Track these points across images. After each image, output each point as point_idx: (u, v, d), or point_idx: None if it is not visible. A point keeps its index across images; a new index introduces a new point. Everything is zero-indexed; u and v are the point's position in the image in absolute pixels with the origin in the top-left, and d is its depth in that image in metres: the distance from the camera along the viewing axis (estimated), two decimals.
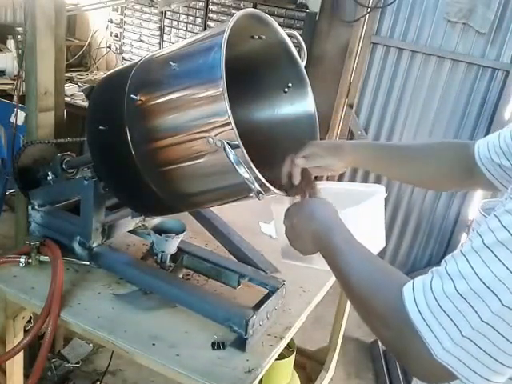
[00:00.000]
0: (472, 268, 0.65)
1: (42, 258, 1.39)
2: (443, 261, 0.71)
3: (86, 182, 1.35)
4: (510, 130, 1.00)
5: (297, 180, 1.13)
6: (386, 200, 1.20)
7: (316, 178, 1.20)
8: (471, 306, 0.63)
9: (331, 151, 1.16)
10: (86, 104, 2.67)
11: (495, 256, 0.63)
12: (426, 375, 0.71)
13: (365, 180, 3.75)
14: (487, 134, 3.20)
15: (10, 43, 3.94)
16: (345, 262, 0.85)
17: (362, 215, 1.07)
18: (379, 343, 2.90)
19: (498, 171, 1.01)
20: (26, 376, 1.46)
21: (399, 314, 0.70)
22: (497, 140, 1.02)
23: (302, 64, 1.25)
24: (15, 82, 2.20)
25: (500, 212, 0.66)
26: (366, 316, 0.80)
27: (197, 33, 3.90)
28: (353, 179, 3.80)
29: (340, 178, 3.77)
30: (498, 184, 1.03)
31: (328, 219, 0.96)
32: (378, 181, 3.67)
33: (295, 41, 1.24)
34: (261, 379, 1.20)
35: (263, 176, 1.00)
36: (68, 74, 3.93)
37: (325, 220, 0.96)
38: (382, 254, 4.08)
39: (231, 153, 0.96)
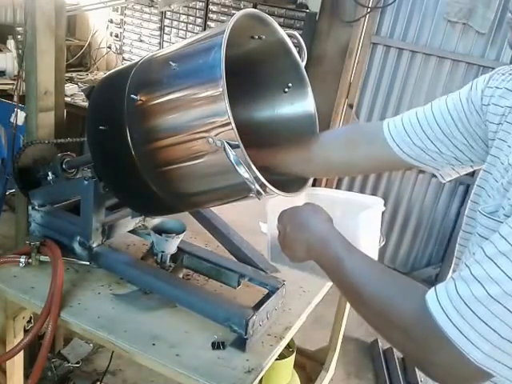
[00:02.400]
0: (503, 271, 0.64)
1: (42, 257, 1.39)
2: (463, 266, 0.70)
3: (86, 182, 1.35)
4: (430, 110, 1.00)
5: None
6: (386, 200, 1.20)
7: (315, 181, 1.20)
8: (507, 308, 0.62)
9: None
10: (86, 104, 2.67)
11: None
12: (460, 381, 0.70)
13: (363, 186, 3.75)
14: None
15: (10, 43, 3.94)
16: (352, 272, 0.83)
17: (363, 225, 1.06)
18: (379, 343, 2.90)
19: (418, 153, 1.00)
20: (26, 376, 1.46)
21: (423, 324, 0.69)
22: (415, 121, 1.00)
23: (302, 64, 1.25)
24: (15, 82, 2.20)
25: None
26: (383, 328, 0.77)
27: (197, 33, 3.90)
28: (351, 185, 3.80)
29: (338, 186, 3.78)
30: (420, 164, 1.02)
31: (323, 229, 0.95)
32: (375, 187, 3.68)
33: (295, 41, 1.24)
34: (261, 379, 1.20)
35: (263, 176, 1.00)
36: (68, 74, 3.93)
37: (319, 230, 0.95)
38: (382, 254, 4.09)
39: (231, 153, 0.96)
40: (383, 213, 1.14)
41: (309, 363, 2.47)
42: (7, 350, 1.38)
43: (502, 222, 0.70)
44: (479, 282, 0.65)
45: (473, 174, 0.95)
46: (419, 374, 2.64)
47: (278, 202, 1.12)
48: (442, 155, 0.99)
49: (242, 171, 0.96)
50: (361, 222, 1.04)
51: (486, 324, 0.64)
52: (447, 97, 1.01)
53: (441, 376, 0.71)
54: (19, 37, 3.79)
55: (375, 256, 1.11)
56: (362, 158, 1.12)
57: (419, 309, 0.70)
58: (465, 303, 0.65)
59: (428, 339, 0.69)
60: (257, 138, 1.24)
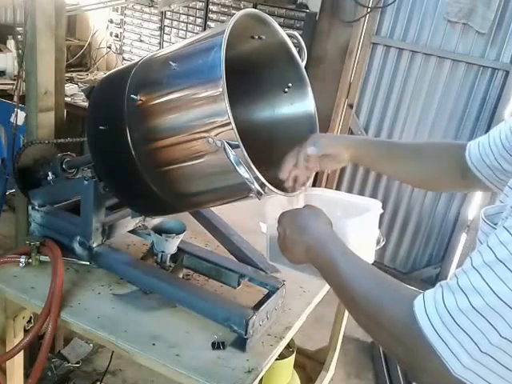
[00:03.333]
0: (486, 283, 0.63)
1: (42, 257, 1.39)
2: (453, 274, 0.69)
3: (86, 182, 1.35)
4: (498, 130, 1.00)
5: (298, 170, 1.13)
6: (386, 200, 1.20)
7: (315, 181, 1.20)
8: (489, 322, 0.62)
9: (337, 141, 1.19)
10: (86, 104, 2.67)
11: (510, 271, 0.62)
12: None
13: (363, 187, 3.75)
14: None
15: (10, 43, 3.95)
16: (346, 276, 0.84)
17: (360, 228, 1.06)
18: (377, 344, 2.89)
19: (488, 172, 1.01)
20: (26, 376, 1.46)
21: (411, 330, 0.69)
22: (486, 140, 1.02)
23: (302, 64, 1.25)
24: (15, 82, 2.20)
25: (509, 224, 0.65)
26: (374, 331, 0.78)
27: (197, 33, 3.90)
28: (351, 185, 3.80)
29: (338, 186, 3.78)
30: (491, 185, 1.03)
31: (322, 232, 0.95)
32: (375, 187, 3.68)
33: (295, 41, 1.24)
34: (261, 379, 1.20)
35: (263, 176, 1.00)
36: (68, 74, 3.93)
37: (318, 233, 0.95)
38: (382, 254, 4.09)
39: (231, 153, 0.96)
40: (383, 213, 1.14)
41: (309, 363, 2.47)
42: (7, 349, 1.38)
43: (495, 229, 0.70)
44: (464, 292, 0.65)
45: None
46: None
47: (277, 202, 1.12)
48: (505, 173, 0.99)
49: (242, 171, 0.96)
50: (358, 225, 1.04)
51: (468, 335, 0.63)
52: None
53: (425, 382, 0.71)
54: (19, 37, 3.77)
55: (372, 258, 1.11)
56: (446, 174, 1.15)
57: (408, 314, 0.70)
58: (449, 313, 0.65)
59: (415, 346, 0.69)
60: (257, 138, 1.24)
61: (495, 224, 0.75)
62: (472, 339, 0.63)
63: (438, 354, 0.65)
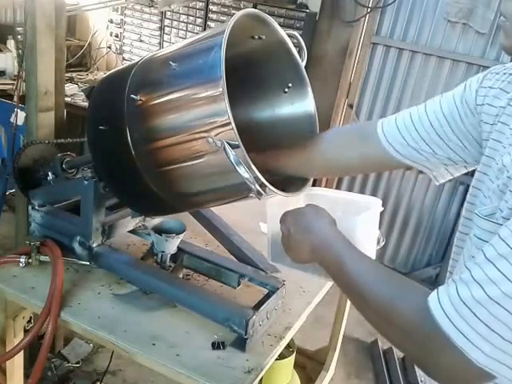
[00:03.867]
0: (502, 273, 0.64)
1: (42, 257, 1.39)
2: (464, 268, 0.70)
3: (86, 182, 1.35)
4: (424, 111, 0.99)
5: None
6: (386, 200, 1.20)
7: (315, 181, 1.20)
8: (506, 309, 0.63)
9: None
10: (86, 104, 2.67)
11: None
12: (462, 382, 0.70)
13: (363, 186, 3.75)
14: None
15: (10, 43, 3.95)
16: (355, 274, 0.84)
17: (362, 226, 1.06)
18: (379, 343, 2.90)
19: (414, 155, 1.00)
20: (26, 376, 1.46)
21: (424, 325, 0.69)
22: (409, 122, 1.00)
23: (302, 64, 1.25)
24: (15, 82, 2.20)
25: None
26: (385, 329, 0.78)
27: (197, 33, 3.90)
28: (351, 185, 3.80)
29: (338, 186, 3.78)
30: (415, 165, 1.02)
31: (327, 231, 0.96)
32: (375, 187, 3.68)
33: (295, 41, 1.24)
34: (261, 379, 1.20)
35: (263, 176, 1.00)
36: (68, 74, 3.93)
37: (323, 232, 0.95)
38: (382, 254, 4.09)
39: (231, 153, 0.96)
40: (383, 213, 1.14)
41: (309, 363, 2.47)
42: (7, 350, 1.38)
43: (499, 224, 0.70)
44: (479, 284, 0.66)
45: (472, 174, 0.95)
46: (419, 374, 2.64)
47: (278, 201, 1.12)
48: (436, 156, 0.99)
49: (242, 171, 0.96)
50: (359, 223, 1.04)
51: (487, 326, 0.64)
52: (441, 97, 1.00)
53: (443, 377, 0.72)
54: (19, 37, 3.79)
55: (373, 256, 1.11)
56: (357, 159, 1.12)
57: (421, 311, 0.70)
58: (466, 305, 0.66)
59: (430, 341, 0.69)
60: (257, 138, 1.24)
61: (497, 219, 0.74)
62: (491, 329, 0.64)
63: (458, 347, 0.65)
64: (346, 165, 1.17)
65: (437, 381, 0.74)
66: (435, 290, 0.71)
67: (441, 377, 0.72)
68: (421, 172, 1.10)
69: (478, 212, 0.78)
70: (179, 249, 1.46)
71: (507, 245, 0.65)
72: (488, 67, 0.98)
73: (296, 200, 1.16)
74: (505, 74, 0.90)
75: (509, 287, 0.63)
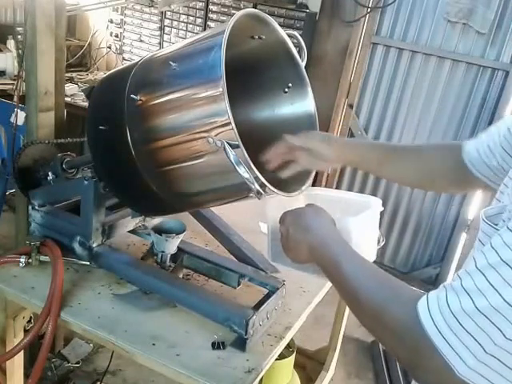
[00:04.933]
0: (491, 284, 0.63)
1: (42, 257, 1.39)
2: (455, 276, 0.69)
3: (86, 182, 1.35)
4: (497, 128, 0.99)
5: (278, 156, 1.14)
6: (386, 200, 1.20)
7: (315, 181, 1.20)
8: (493, 323, 0.62)
9: (325, 139, 1.17)
10: (86, 104, 2.67)
11: None
12: None
13: (363, 187, 3.75)
14: None
15: (10, 43, 3.95)
16: (350, 276, 0.84)
17: (362, 226, 1.06)
18: (379, 343, 2.90)
19: (488, 172, 1.00)
20: (27, 376, 1.46)
21: (414, 330, 0.69)
22: (485, 140, 1.01)
23: (302, 64, 1.25)
24: (15, 82, 2.20)
25: None
26: (376, 331, 0.79)
27: (197, 33, 3.90)
28: (351, 185, 3.80)
29: (338, 186, 3.78)
30: (492, 184, 1.02)
31: (326, 232, 0.95)
32: (375, 187, 3.68)
33: (295, 41, 1.24)
34: (261, 379, 1.20)
35: (263, 176, 1.00)
36: (68, 74, 3.93)
37: (322, 233, 0.95)
38: (382, 254, 4.09)
39: (231, 153, 0.96)
40: (383, 213, 1.14)
41: (309, 363, 2.47)
42: (7, 349, 1.38)
43: (497, 230, 0.70)
44: (468, 294, 0.65)
45: None
46: None
47: (277, 202, 1.12)
48: (504, 172, 0.97)
49: (242, 171, 0.96)
50: (359, 223, 1.04)
51: (473, 337, 0.63)
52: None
53: (427, 382, 0.72)
54: (19, 37, 3.79)
55: (373, 256, 1.11)
56: (444, 174, 1.13)
57: (411, 315, 0.70)
58: (453, 315, 0.65)
59: (418, 346, 0.69)
60: (257, 138, 1.24)
61: (496, 224, 0.74)
62: (476, 340, 0.63)
63: (442, 354, 0.65)
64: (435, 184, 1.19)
65: None
66: (425, 296, 0.71)
67: (425, 382, 0.72)
68: None
69: (483, 213, 0.78)
70: (179, 249, 1.46)
71: (497, 254, 0.64)
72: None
73: (295, 200, 1.16)
74: None
75: (496, 299, 0.62)
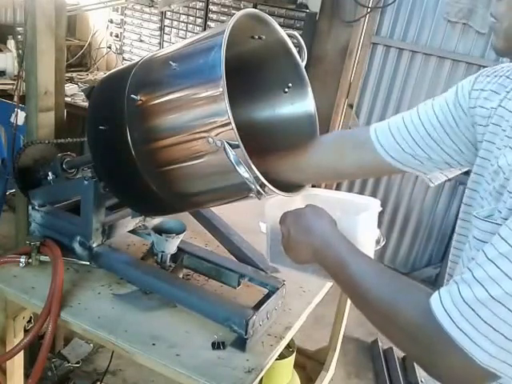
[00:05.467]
0: (503, 272, 0.64)
1: (42, 257, 1.39)
2: (465, 269, 0.70)
3: (86, 182, 1.35)
4: (417, 116, 0.98)
5: None
6: (386, 200, 1.20)
7: (314, 185, 1.20)
8: (509, 309, 0.63)
9: None
10: (86, 104, 2.67)
11: None
12: (467, 382, 0.70)
13: (363, 187, 3.74)
14: None
15: (10, 43, 3.95)
16: (357, 276, 0.83)
17: (363, 225, 1.06)
18: (379, 343, 2.90)
19: (408, 159, 1.00)
20: (27, 376, 1.46)
21: (428, 327, 0.69)
22: (402, 126, 1.00)
23: (302, 64, 1.25)
24: (15, 82, 2.20)
25: None
26: (388, 330, 0.78)
27: (197, 33, 3.90)
28: (351, 185, 3.79)
29: (338, 187, 3.78)
30: (409, 169, 1.02)
31: (327, 232, 0.95)
32: (375, 187, 3.68)
33: (295, 41, 1.24)
34: (261, 379, 1.20)
35: (263, 176, 1.00)
36: (68, 74, 3.93)
37: (324, 233, 0.95)
38: (382, 254, 4.09)
39: (231, 153, 0.96)
40: (383, 213, 1.14)
41: (309, 363, 2.47)
42: (7, 350, 1.38)
43: (499, 224, 0.71)
44: (481, 283, 0.66)
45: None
46: (419, 374, 2.64)
47: (277, 202, 1.12)
48: (431, 160, 0.99)
49: (242, 171, 0.96)
50: (359, 223, 1.04)
51: (490, 325, 0.64)
52: (433, 101, 0.99)
53: (447, 378, 0.72)
54: (19, 37, 3.79)
55: (371, 257, 1.11)
56: (350, 165, 1.11)
57: (424, 312, 0.70)
58: (468, 306, 0.66)
59: (434, 342, 0.69)
60: (257, 138, 1.24)
61: (495, 220, 0.75)
62: (494, 328, 0.64)
63: (462, 347, 0.65)
64: (341, 172, 1.17)
65: (440, 381, 0.74)
66: (437, 292, 0.71)
67: (444, 377, 0.72)
68: None
69: (477, 214, 0.78)
70: (179, 249, 1.46)
71: (508, 244, 0.65)
72: (488, 67, 0.98)
73: (294, 200, 1.16)
74: (495, 76, 0.91)
75: (509, 285, 0.63)
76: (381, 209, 1.13)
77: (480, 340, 0.64)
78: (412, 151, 0.99)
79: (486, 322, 0.64)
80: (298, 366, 2.28)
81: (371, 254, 1.12)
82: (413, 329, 0.72)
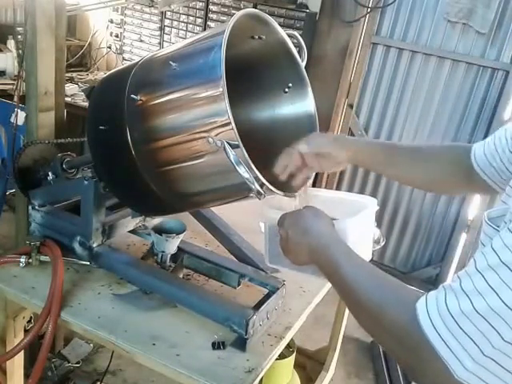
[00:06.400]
0: (490, 286, 0.63)
1: (43, 257, 1.39)
2: (455, 276, 0.69)
3: (86, 182, 1.35)
4: (504, 130, 0.99)
5: (292, 166, 1.10)
6: (386, 200, 1.19)
7: (315, 181, 1.19)
8: (491, 325, 0.62)
9: (334, 140, 1.16)
10: (86, 104, 2.67)
11: None
12: None
13: (363, 187, 3.74)
14: (487, 134, 3.22)
15: (10, 43, 3.94)
16: (349, 277, 0.84)
17: (359, 226, 1.06)
18: (378, 344, 2.89)
19: (494, 174, 1.01)
20: (27, 376, 1.46)
21: (413, 332, 0.69)
22: (492, 142, 1.01)
23: (302, 64, 1.25)
24: (15, 82, 2.20)
25: None
26: (375, 332, 0.79)
27: (197, 33, 3.90)
28: (351, 185, 3.79)
29: (338, 186, 3.78)
30: (497, 187, 1.02)
31: (325, 234, 0.95)
32: (375, 187, 3.68)
33: (295, 41, 1.24)
34: (261, 379, 1.20)
35: (263, 176, 1.00)
36: (68, 74, 3.93)
37: (321, 235, 0.95)
38: (382, 254, 4.08)
39: (231, 153, 0.96)
40: (383, 213, 1.14)
41: (309, 363, 2.47)
42: (7, 349, 1.38)
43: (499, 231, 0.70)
44: (467, 295, 0.65)
45: None
46: None
47: (275, 203, 1.12)
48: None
49: (242, 171, 0.96)
50: (355, 223, 1.04)
51: (471, 339, 0.63)
52: None
53: None
54: (19, 37, 3.78)
55: (369, 256, 1.11)
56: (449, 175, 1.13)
57: (410, 317, 0.70)
58: (452, 317, 0.65)
59: (418, 349, 0.69)
60: (257, 138, 1.24)
61: (498, 226, 0.74)
62: (475, 343, 0.63)
63: (441, 357, 0.65)
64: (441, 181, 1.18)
65: None
66: (424, 297, 0.71)
67: (423, 383, 0.72)
68: None
69: (487, 214, 0.77)
70: (179, 249, 1.46)
71: (497, 256, 0.64)
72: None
73: (292, 201, 1.16)
74: None
75: (494, 300, 0.62)
76: (378, 208, 1.13)
77: (460, 353, 0.64)
78: (496, 164, 0.99)
79: (467, 335, 0.63)
80: (298, 366, 2.28)
81: (369, 253, 1.12)
82: (399, 333, 0.72)
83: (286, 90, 1.28)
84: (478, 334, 0.63)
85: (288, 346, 2.06)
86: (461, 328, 0.64)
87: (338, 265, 0.87)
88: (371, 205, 1.12)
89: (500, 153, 0.98)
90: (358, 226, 1.04)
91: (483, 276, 0.64)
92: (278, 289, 1.35)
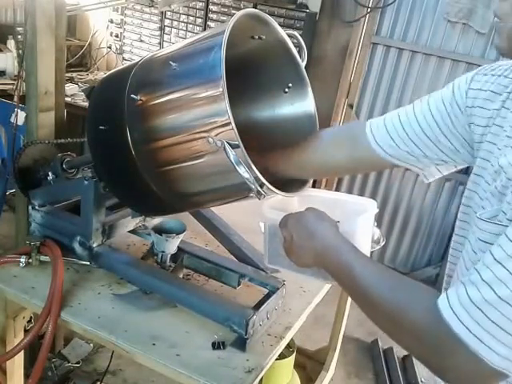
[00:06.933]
0: (510, 273, 0.64)
1: (43, 257, 1.39)
2: (472, 270, 0.70)
3: (86, 182, 1.35)
4: (413, 113, 0.98)
5: None
6: (386, 200, 1.19)
7: (315, 182, 1.19)
8: None
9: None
10: (86, 104, 2.67)
11: None
12: (476, 382, 0.71)
13: (363, 188, 3.74)
14: None
15: (10, 43, 3.94)
16: (363, 279, 0.83)
17: (363, 227, 1.06)
18: (379, 343, 2.90)
19: (405, 156, 1.00)
20: (27, 376, 1.46)
21: (435, 329, 0.69)
22: (398, 123, 0.99)
23: (302, 64, 1.25)
24: (15, 82, 2.20)
25: None
26: (395, 334, 0.78)
27: (197, 33, 3.90)
28: (351, 186, 3.79)
29: (338, 188, 3.78)
30: (405, 164, 1.02)
31: (331, 236, 0.95)
32: (375, 187, 3.68)
33: (295, 41, 1.24)
34: (261, 379, 1.20)
35: (263, 176, 1.00)
36: (68, 74, 3.93)
37: (327, 237, 0.94)
38: (382, 254, 4.08)
39: (231, 153, 0.96)
40: (383, 213, 1.14)
41: (309, 363, 2.47)
42: (7, 349, 1.39)
43: (504, 226, 0.70)
44: (489, 285, 0.66)
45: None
46: (419, 374, 2.64)
47: (275, 203, 1.12)
48: (426, 157, 0.99)
49: (242, 171, 0.96)
50: (357, 226, 1.04)
51: (499, 326, 0.64)
52: (429, 98, 0.99)
53: (456, 379, 0.72)
54: (19, 37, 3.78)
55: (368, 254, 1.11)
56: (346, 160, 1.12)
57: (431, 314, 0.70)
58: (476, 307, 0.66)
59: (441, 344, 0.69)
60: (257, 138, 1.24)
61: (500, 221, 0.74)
62: (503, 329, 0.64)
63: (471, 349, 0.66)
64: (337, 166, 1.18)
65: (447, 382, 0.74)
66: (444, 293, 0.71)
67: (454, 379, 0.72)
68: None
69: (480, 215, 0.77)
70: (179, 249, 1.46)
71: None
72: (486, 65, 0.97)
73: (292, 201, 1.16)
74: (493, 75, 0.90)
75: None
76: (377, 210, 1.13)
77: (490, 341, 0.65)
78: (407, 148, 0.99)
79: (494, 323, 0.64)
80: (298, 365, 2.28)
81: (368, 255, 1.12)
82: (420, 330, 0.72)
83: (286, 90, 1.27)
84: (504, 320, 0.64)
85: (288, 346, 2.06)
86: (486, 316, 0.65)
87: (350, 267, 0.86)
88: (371, 207, 1.12)
89: (413, 139, 0.97)
90: (360, 227, 1.04)
91: (503, 265, 0.65)
92: (278, 289, 1.35)
